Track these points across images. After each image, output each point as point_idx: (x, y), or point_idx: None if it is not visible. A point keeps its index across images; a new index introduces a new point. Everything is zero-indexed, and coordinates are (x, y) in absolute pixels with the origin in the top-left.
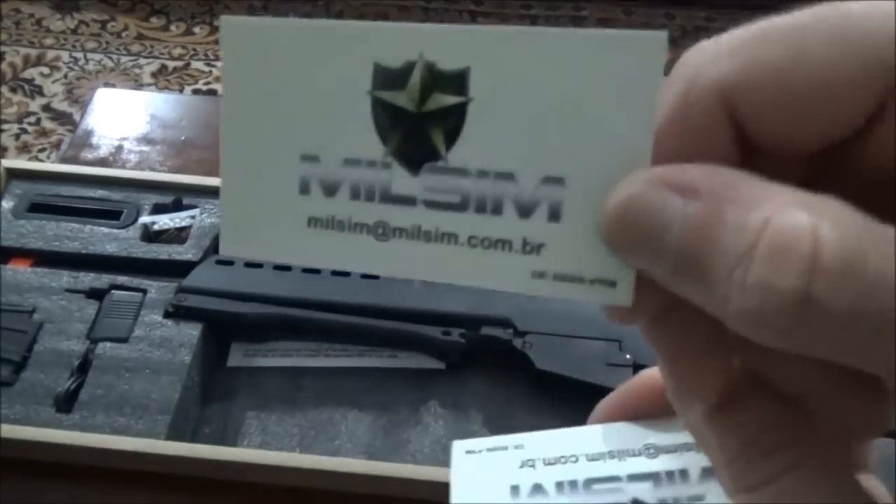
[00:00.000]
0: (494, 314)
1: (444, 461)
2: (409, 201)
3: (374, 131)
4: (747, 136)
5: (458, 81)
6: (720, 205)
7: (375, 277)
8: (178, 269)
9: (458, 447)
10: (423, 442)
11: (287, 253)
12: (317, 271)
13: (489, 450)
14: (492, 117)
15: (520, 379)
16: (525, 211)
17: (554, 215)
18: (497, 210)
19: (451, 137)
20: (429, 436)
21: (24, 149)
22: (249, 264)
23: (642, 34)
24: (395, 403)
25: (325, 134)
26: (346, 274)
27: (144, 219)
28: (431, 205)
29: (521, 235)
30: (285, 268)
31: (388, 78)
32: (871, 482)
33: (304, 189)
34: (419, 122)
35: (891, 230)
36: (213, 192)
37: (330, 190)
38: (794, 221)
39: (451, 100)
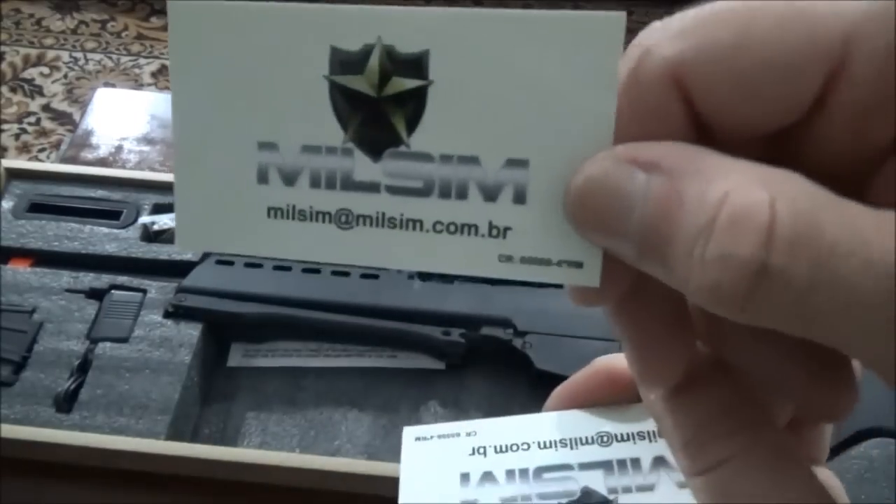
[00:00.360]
0: (494, 314)
1: None
2: (371, 188)
3: (333, 117)
4: (701, 118)
5: (417, 65)
6: (681, 179)
7: (375, 277)
8: (178, 269)
9: (408, 434)
10: None
11: (247, 245)
12: (316, 271)
13: (440, 437)
14: (453, 100)
15: (520, 379)
16: (490, 194)
17: (519, 198)
18: (462, 194)
19: (413, 122)
20: None
21: (24, 149)
22: (249, 264)
23: (600, 14)
24: (395, 403)
25: (282, 120)
26: (345, 274)
27: (144, 219)
28: (395, 191)
29: (487, 219)
30: (285, 268)
31: (345, 62)
32: (825, 475)
33: (263, 178)
34: (379, 106)
35: (845, 202)
36: None
37: (289, 178)
38: (752, 194)
39: (410, 83)
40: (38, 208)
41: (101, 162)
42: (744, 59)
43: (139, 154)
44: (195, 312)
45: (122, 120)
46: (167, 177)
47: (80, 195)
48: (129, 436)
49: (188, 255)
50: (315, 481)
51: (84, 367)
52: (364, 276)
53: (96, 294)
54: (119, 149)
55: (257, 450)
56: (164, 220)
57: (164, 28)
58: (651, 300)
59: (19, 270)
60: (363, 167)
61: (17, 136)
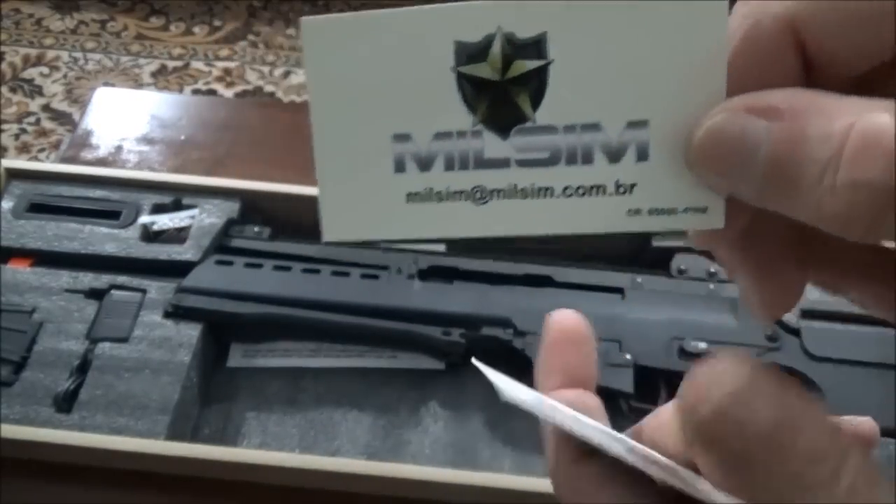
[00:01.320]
0: (494, 314)
1: (445, 461)
2: (502, 163)
3: (461, 104)
4: (809, 63)
5: (536, 47)
6: (803, 119)
7: (375, 277)
8: (177, 269)
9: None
10: (423, 442)
11: (390, 230)
12: (316, 271)
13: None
14: (572, 75)
15: (520, 379)
16: (614, 156)
17: (642, 155)
18: (587, 159)
19: (536, 99)
20: (429, 436)
21: (24, 149)
22: (249, 264)
23: None
24: (395, 404)
25: (413, 113)
26: (345, 274)
27: (144, 219)
28: (524, 163)
29: (614, 178)
30: (285, 268)
31: (469, 53)
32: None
33: (400, 167)
34: (504, 89)
35: None
36: (212, 192)
37: (425, 164)
38: (876, 120)
39: (532, 64)
40: (38, 208)
41: (101, 162)
42: (853, 4)
43: (139, 154)
44: (195, 312)
45: (122, 120)
46: (167, 177)
47: (79, 195)
48: (128, 436)
49: (188, 255)
50: (315, 481)
51: (84, 367)
52: (364, 276)
53: (96, 294)
54: (119, 149)
55: (257, 450)
56: (164, 220)
57: (164, 28)
58: (765, 235)
59: (19, 270)
60: (493, 145)
61: (16, 136)
